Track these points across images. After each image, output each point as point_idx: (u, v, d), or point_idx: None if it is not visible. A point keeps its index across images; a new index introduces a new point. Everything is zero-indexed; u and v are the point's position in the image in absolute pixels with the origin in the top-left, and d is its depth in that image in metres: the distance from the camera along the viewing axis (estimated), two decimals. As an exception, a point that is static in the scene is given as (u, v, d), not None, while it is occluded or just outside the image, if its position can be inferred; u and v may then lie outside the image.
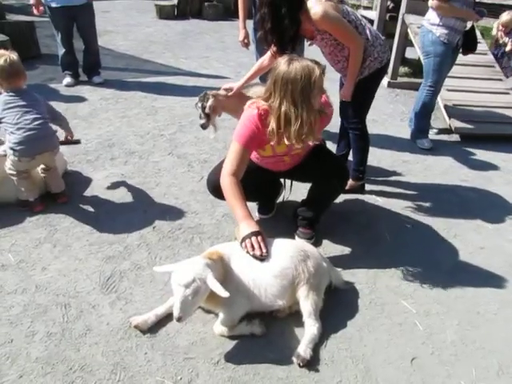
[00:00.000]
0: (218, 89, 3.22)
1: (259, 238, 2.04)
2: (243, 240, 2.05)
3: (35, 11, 4.89)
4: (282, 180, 2.85)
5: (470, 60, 5.06)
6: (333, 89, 3.21)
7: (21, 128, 2.62)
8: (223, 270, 1.96)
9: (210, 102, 2.97)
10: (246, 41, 3.96)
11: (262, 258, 2.01)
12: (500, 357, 1.96)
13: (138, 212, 2.88)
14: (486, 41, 6.13)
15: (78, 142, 3.37)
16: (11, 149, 2.62)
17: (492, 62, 5.20)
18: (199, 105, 3.05)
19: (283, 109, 2.09)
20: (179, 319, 1.77)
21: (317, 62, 2.09)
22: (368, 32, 2.77)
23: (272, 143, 2.22)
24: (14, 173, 2.71)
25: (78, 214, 2.82)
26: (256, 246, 2.01)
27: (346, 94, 2.90)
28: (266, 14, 2.58)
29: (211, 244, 2.53)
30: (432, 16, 3.84)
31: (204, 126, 3.10)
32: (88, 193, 3.06)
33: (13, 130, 2.62)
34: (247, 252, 2.02)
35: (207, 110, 2.99)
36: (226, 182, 2.20)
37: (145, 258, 2.46)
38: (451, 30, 3.77)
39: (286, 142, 2.16)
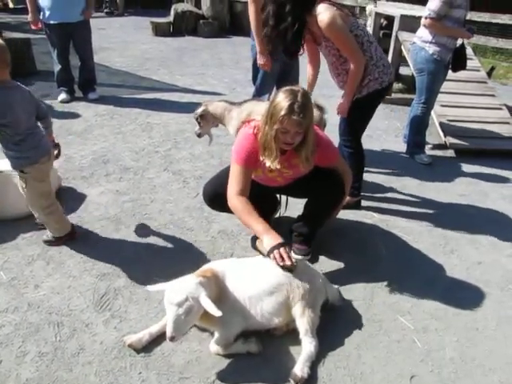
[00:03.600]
0: None
1: (287, 248, 2.08)
2: (270, 251, 2.06)
3: (33, 27, 4.93)
4: (277, 196, 2.83)
5: (462, 76, 5.10)
6: (327, 103, 3.23)
7: None
8: (217, 288, 1.94)
9: (199, 110, 3.21)
10: (268, 65, 3.51)
11: (292, 269, 2.02)
12: (501, 374, 1.93)
13: (133, 228, 2.85)
14: (478, 57, 6.21)
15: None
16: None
17: (484, 78, 5.27)
18: (194, 113, 3.28)
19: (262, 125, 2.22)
20: (172, 339, 1.75)
21: (301, 107, 2.07)
22: (373, 50, 2.77)
23: (264, 164, 2.27)
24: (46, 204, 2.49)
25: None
26: (285, 256, 2.03)
27: (343, 110, 2.89)
28: (271, 10, 2.62)
29: (207, 261, 2.50)
30: (424, 33, 3.88)
31: (197, 133, 3.33)
32: (82, 209, 3.03)
33: None
34: (276, 263, 2.02)
35: (193, 116, 3.26)
36: (235, 202, 2.24)
37: (140, 275, 2.43)
38: (443, 48, 3.82)
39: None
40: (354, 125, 3.01)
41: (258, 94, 3.77)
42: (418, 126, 4.14)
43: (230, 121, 3.17)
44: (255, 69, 3.79)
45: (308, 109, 2.11)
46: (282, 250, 2.04)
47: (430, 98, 4.01)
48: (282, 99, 2.09)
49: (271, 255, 2.05)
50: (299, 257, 2.53)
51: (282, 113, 2.06)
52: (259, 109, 3.00)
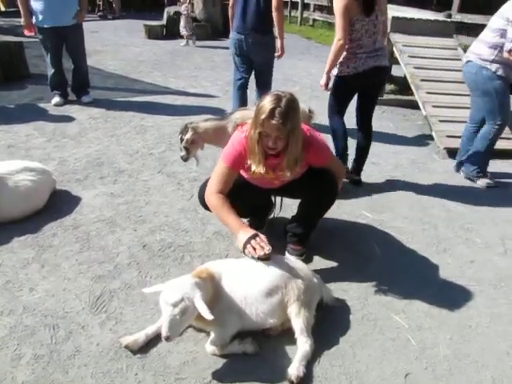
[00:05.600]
0: (206, 109, 3.24)
1: (258, 239, 2.08)
2: (244, 247, 2.08)
3: (26, 32, 4.92)
4: (272, 197, 2.85)
5: (454, 77, 5.16)
6: (322, 106, 3.25)
7: None
8: (213, 289, 1.95)
9: (188, 135, 2.96)
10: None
11: (268, 257, 2.04)
12: (493, 370, 1.96)
13: (128, 231, 2.85)
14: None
15: None
16: None
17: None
18: (179, 137, 3.04)
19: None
20: (167, 339, 1.76)
21: (283, 114, 2.07)
22: (357, 45, 3.25)
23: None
24: None
25: (67, 233, 2.79)
26: (257, 247, 2.05)
27: (322, 82, 3.45)
28: None
29: (202, 262, 2.50)
30: (484, 51, 3.54)
31: (183, 158, 3.09)
32: (77, 212, 3.03)
33: None
34: (252, 257, 2.05)
35: (184, 144, 3.00)
36: (213, 199, 2.27)
37: (135, 277, 2.43)
38: (505, 65, 3.50)
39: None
40: (329, 102, 3.60)
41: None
42: (489, 149, 3.78)
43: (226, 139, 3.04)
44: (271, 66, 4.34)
45: (290, 116, 2.09)
46: (253, 242, 2.07)
47: (506, 117, 3.67)
48: (266, 102, 2.10)
49: (245, 250, 2.08)
50: (292, 257, 2.56)
51: (263, 116, 2.08)
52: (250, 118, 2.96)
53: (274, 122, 2.07)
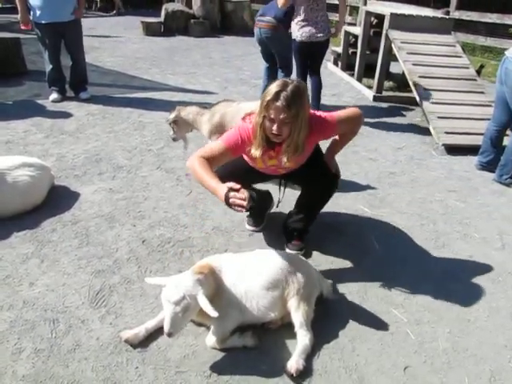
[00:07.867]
0: (205, 103, 3.37)
1: (235, 191, 1.93)
2: (226, 203, 1.93)
3: (23, 27, 4.91)
4: (273, 187, 2.83)
5: (452, 74, 5.17)
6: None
7: None
8: (214, 284, 1.95)
9: (172, 115, 3.28)
10: None
11: (249, 207, 1.90)
12: (492, 364, 1.97)
13: (127, 226, 2.85)
14: (467, 56, 6.28)
15: None
16: None
17: (473, 76, 5.32)
18: (166, 119, 3.38)
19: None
20: (169, 335, 1.77)
21: (288, 100, 2.05)
22: (304, 14, 4.42)
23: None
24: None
25: (66, 228, 2.78)
26: (238, 202, 1.89)
27: None
28: None
29: (201, 257, 2.50)
30: None
31: (172, 137, 3.42)
32: (76, 207, 3.03)
33: None
34: (235, 209, 1.91)
35: (166, 121, 3.35)
36: (195, 161, 2.15)
37: (134, 271, 2.44)
38: None
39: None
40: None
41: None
42: None
43: (203, 125, 3.20)
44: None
45: (295, 101, 2.06)
46: (231, 194, 1.91)
47: None
48: (272, 87, 2.10)
49: (230, 207, 1.93)
50: (292, 251, 2.57)
51: (268, 98, 2.07)
52: (231, 110, 3.10)
53: (278, 104, 2.05)
